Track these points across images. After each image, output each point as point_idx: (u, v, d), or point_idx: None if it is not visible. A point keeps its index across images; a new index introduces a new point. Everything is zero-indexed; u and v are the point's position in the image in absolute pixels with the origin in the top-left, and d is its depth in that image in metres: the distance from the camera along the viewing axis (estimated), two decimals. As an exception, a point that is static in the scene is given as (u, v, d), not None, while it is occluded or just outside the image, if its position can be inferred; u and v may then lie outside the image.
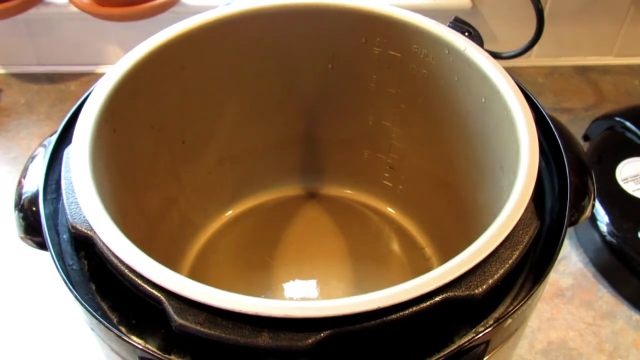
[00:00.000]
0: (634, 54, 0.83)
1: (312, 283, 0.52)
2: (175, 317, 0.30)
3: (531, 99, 0.42)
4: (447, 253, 0.52)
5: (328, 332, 0.29)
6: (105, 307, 0.33)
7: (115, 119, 0.40)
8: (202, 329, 0.29)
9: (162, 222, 0.50)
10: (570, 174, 0.38)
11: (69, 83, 0.79)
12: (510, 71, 0.41)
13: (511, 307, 0.33)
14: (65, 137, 0.40)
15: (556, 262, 0.36)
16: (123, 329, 0.32)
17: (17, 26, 0.76)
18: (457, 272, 0.31)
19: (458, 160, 0.48)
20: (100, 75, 0.60)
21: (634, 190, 0.62)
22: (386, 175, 0.55)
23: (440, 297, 0.30)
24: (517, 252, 0.33)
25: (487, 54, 0.41)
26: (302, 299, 0.51)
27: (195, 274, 0.52)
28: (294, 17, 0.46)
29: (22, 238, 0.38)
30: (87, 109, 0.39)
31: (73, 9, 0.72)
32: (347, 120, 0.53)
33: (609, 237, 0.60)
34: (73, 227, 0.34)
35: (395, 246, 0.55)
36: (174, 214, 0.51)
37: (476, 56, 0.41)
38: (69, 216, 0.34)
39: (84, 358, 0.55)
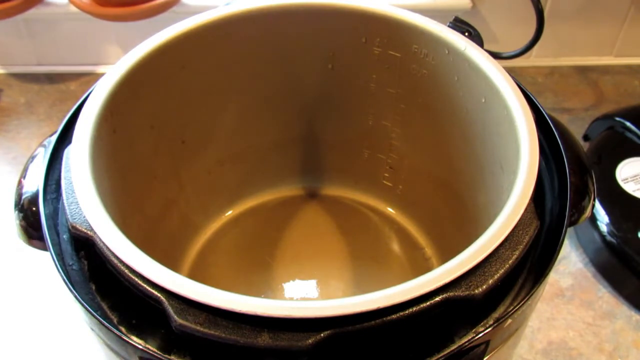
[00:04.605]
0: (634, 54, 0.83)
1: (312, 283, 0.52)
2: (175, 317, 0.30)
3: (531, 99, 0.42)
4: (447, 253, 0.52)
5: (328, 332, 0.29)
6: (105, 307, 0.33)
7: (115, 119, 0.40)
8: (202, 329, 0.29)
9: (162, 222, 0.50)
10: (570, 174, 0.38)
11: (69, 83, 0.79)
12: (510, 71, 0.41)
13: (511, 307, 0.33)
14: (65, 137, 0.40)
15: (556, 262, 0.36)
16: (123, 329, 0.32)
17: (17, 26, 0.76)
18: (457, 272, 0.31)
19: (458, 160, 0.48)
20: (100, 75, 0.60)
21: (634, 190, 0.62)
22: (386, 175, 0.55)
23: (440, 297, 0.30)
24: (517, 252, 0.33)
25: (487, 54, 0.41)
26: (302, 299, 0.51)
27: (195, 274, 0.52)
28: (294, 17, 0.46)
29: (22, 238, 0.38)
30: (87, 109, 0.39)
31: (73, 9, 0.72)
32: (347, 120, 0.53)
33: (609, 237, 0.60)
34: (73, 227, 0.34)
35: (395, 246, 0.55)
36: (174, 214, 0.51)
37: (476, 56, 0.41)
38: (69, 216, 0.34)
39: (84, 358, 0.55)
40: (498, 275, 0.32)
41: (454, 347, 0.31)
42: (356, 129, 0.53)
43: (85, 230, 0.34)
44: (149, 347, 0.31)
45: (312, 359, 0.30)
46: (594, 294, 0.60)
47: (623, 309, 0.59)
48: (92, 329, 0.35)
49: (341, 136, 0.54)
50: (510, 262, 0.32)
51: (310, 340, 0.29)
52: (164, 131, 0.46)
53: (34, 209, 0.37)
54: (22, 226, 0.38)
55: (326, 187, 0.58)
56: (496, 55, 0.46)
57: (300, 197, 0.58)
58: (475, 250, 0.32)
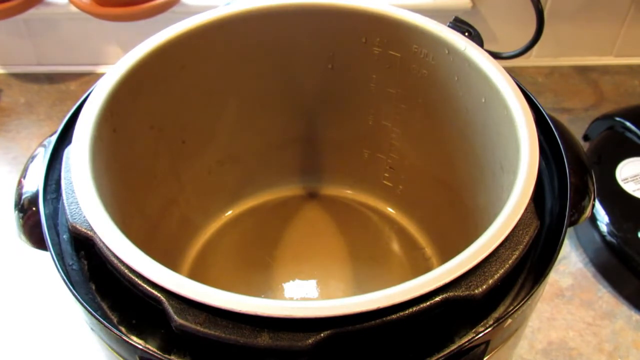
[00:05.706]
0: (634, 54, 0.83)
1: (312, 283, 0.52)
2: (175, 317, 0.30)
3: (531, 99, 0.42)
4: (447, 253, 0.52)
5: (328, 332, 0.29)
6: (105, 307, 0.33)
7: (115, 119, 0.40)
8: (202, 329, 0.30)
9: (162, 222, 0.50)
10: (570, 174, 0.38)
11: (69, 83, 0.79)
12: (510, 71, 0.41)
13: (511, 307, 0.33)
14: (65, 137, 0.40)
15: (556, 262, 0.36)
16: (123, 329, 0.32)
17: (17, 26, 0.76)
18: (457, 272, 0.31)
19: (458, 160, 0.48)
20: (100, 75, 0.60)
21: (634, 190, 0.62)
22: (386, 175, 0.55)
23: (440, 297, 0.30)
24: (517, 252, 0.33)
25: (487, 54, 0.41)
26: (302, 299, 0.51)
27: (195, 274, 0.52)
28: (294, 17, 0.46)
29: (22, 238, 0.38)
30: (87, 109, 0.39)
31: (73, 9, 0.72)
32: (347, 120, 0.53)
33: (609, 237, 0.60)
34: (73, 227, 0.34)
35: (395, 246, 0.55)
36: (174, 214, 0.51)
37: (476, 56, 0.41)
38: (69, 216, 0.34)
39: (84, 358, 0.55)
40: (498, 275, 0.32)
41: (454, 347, 0.31)
42: (356, 129, 0.53)
43: (85, 230, 0.34)
44: (149, 347, 0.31)
45: (312, 359, 0.30)
46: (594, 294, 0.60)
47: (623, 309, 0.59)
48: (92, 329, 0.35)
49: (341, 136, 0.54)
50: (510, 262, 0.32)
51: (310, 340, 0.29)
52: (164, 131, 0.46)
53: (34, 209, 0.37)
54: (22, 226, 0.38)
55: (326, 187, 0.58)
56: (496, 55, 0.46)
57: (300, 197, 0.58)
58: (475, 250, 0.32)
